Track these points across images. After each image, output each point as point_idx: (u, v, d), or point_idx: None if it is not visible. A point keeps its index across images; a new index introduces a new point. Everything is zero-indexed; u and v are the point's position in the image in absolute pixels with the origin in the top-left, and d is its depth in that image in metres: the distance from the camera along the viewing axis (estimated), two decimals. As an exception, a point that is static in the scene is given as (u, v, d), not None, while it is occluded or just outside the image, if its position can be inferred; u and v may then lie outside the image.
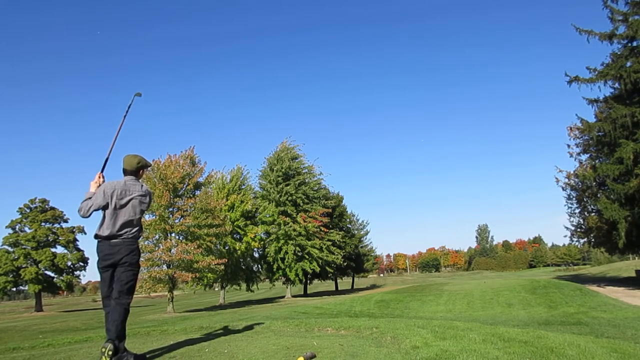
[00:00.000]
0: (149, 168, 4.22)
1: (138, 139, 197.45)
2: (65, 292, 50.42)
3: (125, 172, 4.02)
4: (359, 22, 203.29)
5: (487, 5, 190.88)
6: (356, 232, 47.12)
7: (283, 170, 33.15)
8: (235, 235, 31.20)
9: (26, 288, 44.85)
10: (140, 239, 4.07)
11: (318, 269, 33.31)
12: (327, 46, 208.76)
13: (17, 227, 42.15)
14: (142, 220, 4.10)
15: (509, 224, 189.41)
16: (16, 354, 4.84)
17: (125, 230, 3.81)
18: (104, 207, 3.76)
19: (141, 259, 22.52)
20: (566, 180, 30.51)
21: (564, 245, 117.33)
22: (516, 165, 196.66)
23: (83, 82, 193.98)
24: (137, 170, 4.05)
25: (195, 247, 23.04)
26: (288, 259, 31.89)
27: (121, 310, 3.70)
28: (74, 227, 43.96)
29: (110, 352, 3.45)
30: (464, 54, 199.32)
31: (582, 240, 32.74)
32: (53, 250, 42.21)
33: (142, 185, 4.10)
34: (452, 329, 5.17)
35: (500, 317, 15.78)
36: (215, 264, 23.97)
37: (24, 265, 40.74)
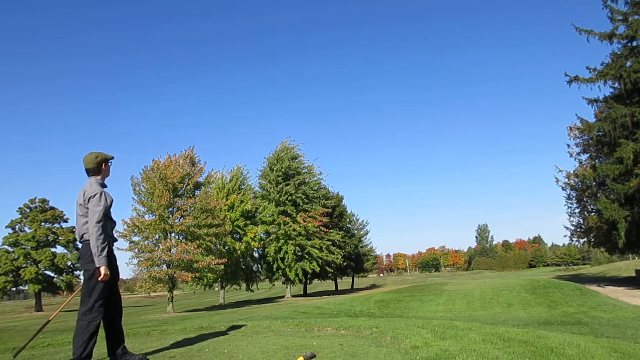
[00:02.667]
0: (111, 161, 3.90)
1: (138, 139, 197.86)
2: (65, 292, 50.32)
3: (88, 173, 3.79)
4: (359, 22, 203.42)
5: (487, 5, 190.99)
6: (356, 232, 47.12)
7: (283, 170, 33.15)
8: (235, 235, 31.20)
9: (26, 288, 44.85)
10: (91, 241, 3.56)
11: (318, 269, 33.30)
12: (327, 46, 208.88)
13: (17, 227, 42.18)
14: (110, 220, 3.74)
15: (509, 224, 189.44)
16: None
17: (80, 234, 3.72)
18: None
19: (141, 259, 22.82)
20: (566, 180, 30.56)
21: (564, 245, 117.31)
22: (516, 165, 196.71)
23: (83, 82, 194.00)
24: (98, 166, 3.77)
25: (196, 247, 23.03)
26: (288, 259, 31.89)
27: (77, 325, 3.48)
28: (74, 227, 43.93)
29: None
30: (464, 54, 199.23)
31: (582, 240, 32.75)
32: (53, 250, 42.24)
33: (90, 184, 3.72)
34: (452, 329, 5.17)
35: (500, 317, 15.78)
36: (215, 264, 23.95)
37: (24, 266, 40.74)
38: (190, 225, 23.55)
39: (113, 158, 3.94)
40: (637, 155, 20.39)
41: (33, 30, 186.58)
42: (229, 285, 33.09)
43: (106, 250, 3.59)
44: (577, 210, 31.08)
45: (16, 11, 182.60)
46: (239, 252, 30.10)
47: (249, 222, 32.16)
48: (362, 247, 48.63)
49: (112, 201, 3.83)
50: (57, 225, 43.41)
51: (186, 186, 24.79)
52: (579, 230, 31.38)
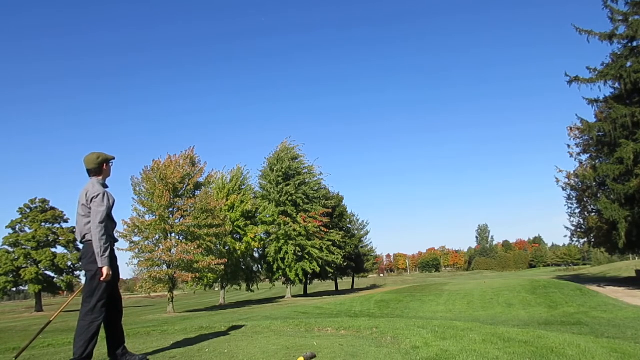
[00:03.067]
0: (112, 161, 3.89)
1: (138, 139, 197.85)
2: (65, 292, 50.34)
3: (89, 173, 3.78)
4: (359, 22, 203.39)
5: (487, 4, 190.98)
6: (356, 232, 47.11)
7: (283, 170, 33.15)
8: (235, 235, 31.18)
9: (26, 288, 44.84)
10: (94, 242, 3.53)
11: (318, 269, 33.30)
12: (327, 46, 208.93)
13: (17, 227, 42.16)
14: (111, 221, 3.76)
15: (509, 224, 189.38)
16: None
17: (81, 234, 3.71)
18: None
19: (141, 259, 22.81)
20: (566, 180, 30.54)
21: (564, 245, 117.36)
22: (516, 165, 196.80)
23: (83, 82, 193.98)
24: (99, 166, 3.76)
25: (196, 247, 23.02)
26: (288, 259, 31.88)
27: (78, 325, 3.49)
28: (74, 227, 43.90)
29: None
30: (464, 54, 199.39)
31: (582, 240, 32.72)
32: (53, 250, 42.21)
33: (92, 184, 3.71)
34: (452, 329, 5.17)
35: (500, 317, 15.78)
36: (215, 264, 23.94)
37: (24, 266, 40.72)
38: (190, 225, 23.53)
39: (114, 158, 3.94)
40: (637, 155, 20.39)
41: (33, 30, 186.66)
42: (229, 285, 33.09)
43: (108, 250, 3.59)
44: (577, 210, 31.09)
45: (16, 11, 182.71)
46: (239, 252, 30.09)
47: (249, 222, 32.15)
48: (362, 247, 48.62)
49: (114, 201, 3.83)
50: (57, 225, 43.41)
51: (186, 186, 24.78)
52: (579, 230, 31.37)
